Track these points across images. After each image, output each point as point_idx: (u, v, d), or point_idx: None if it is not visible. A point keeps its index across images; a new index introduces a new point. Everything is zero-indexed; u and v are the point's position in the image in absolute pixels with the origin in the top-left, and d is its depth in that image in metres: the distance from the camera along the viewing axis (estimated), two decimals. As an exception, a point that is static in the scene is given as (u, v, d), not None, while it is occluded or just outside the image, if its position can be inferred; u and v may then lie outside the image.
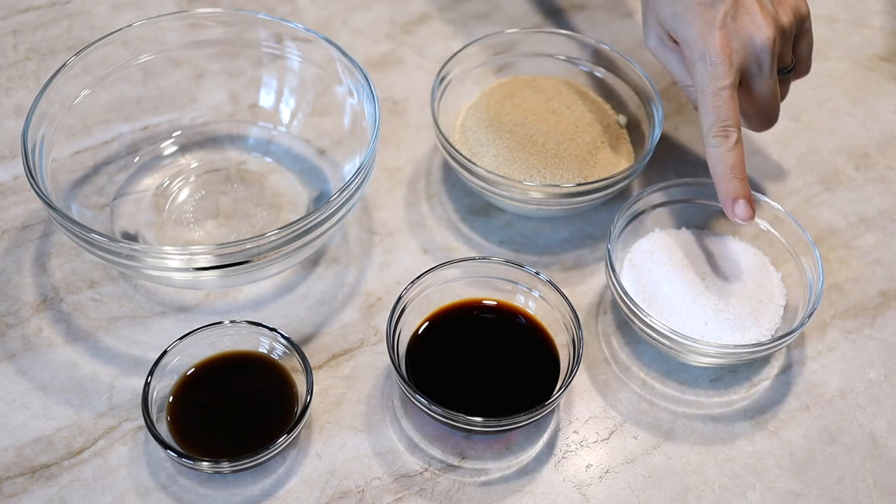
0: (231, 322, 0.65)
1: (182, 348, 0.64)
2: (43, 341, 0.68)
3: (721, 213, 0.73)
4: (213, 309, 0.71)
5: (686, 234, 0.73)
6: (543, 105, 0.78)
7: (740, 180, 0.67)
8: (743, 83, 0.69)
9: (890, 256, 0.76)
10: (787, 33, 0.69)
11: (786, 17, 0.68)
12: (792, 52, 0.72)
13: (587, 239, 0.76)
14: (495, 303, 0.68)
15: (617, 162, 0.76)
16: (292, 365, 0.65)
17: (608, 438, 0.66)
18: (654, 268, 0.70)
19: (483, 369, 0.65)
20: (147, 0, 0.92)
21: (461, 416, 0.60)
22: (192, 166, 0.77)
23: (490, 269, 0.68)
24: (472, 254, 0.75)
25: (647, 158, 0.73)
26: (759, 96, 0.70)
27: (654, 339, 0.66)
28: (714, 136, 0.67)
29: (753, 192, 0.72)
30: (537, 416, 0.61)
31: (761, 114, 0.71)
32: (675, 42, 0.70)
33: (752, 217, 0.67)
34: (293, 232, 0.63)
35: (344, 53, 0.73)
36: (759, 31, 0.67)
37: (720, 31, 0.67)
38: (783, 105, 0.87)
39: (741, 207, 0.67)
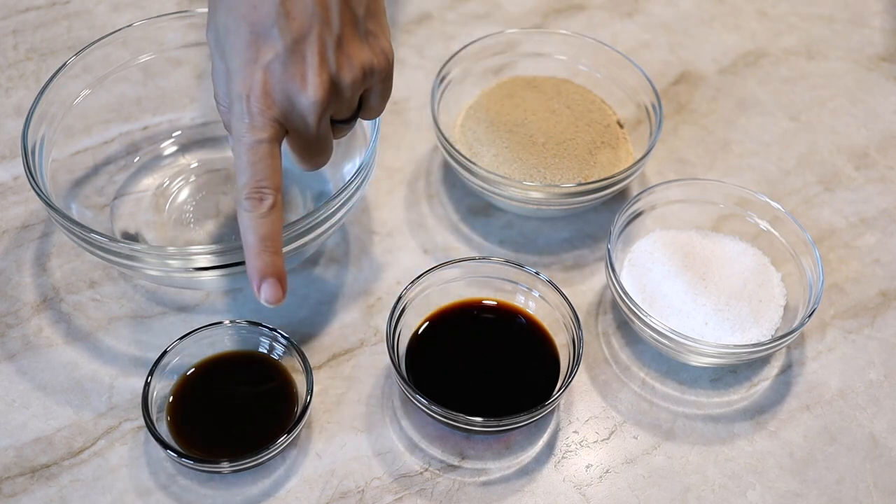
0: (231, 322, 0.65)
1: (182, 348, 0.64)
2: (43, 341, 0.68)
3: (721, 214, 0.74)
4: (213, 309, 0.71)
5: (686, 234, 0.73)
6: (543, 105, 0.78)
7: (272, 254, 0.56)
8: (289, 130, 0.57)
9: (890, 256, 0.76)
10: (346, 93, 0.57)
11: (349, 77, 0.56)
12: (360, 99, 0.60)
13: (587, 239, 0.76)
14: (495, 303, 0.68)
15: (617, 162, 0.76)
16: (292, 365, 0.65)
17: (608, 438, 0.66)
18: (654, 268, 0.70)
19: (483, 369, 0.65)
20: (147, 0, 0.92)
21: (461, 416, 0.60)
22: (192, 166, 0.77)
23: (490, 269, 0.68)
24: (472, 254, 0.75)
25: (647, 158, 0.73)
26: (305, 145, 0.59)
27: (654, 339, 0.66)
28: (246, 197, 0.55)
29: (752, 192, 0.72)
30: (537, 416, 0.61)
31: (305, 159, 0.61)
32: None
33: (281, 300, 0.56)
34: (293, 232, 0.63)
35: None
36: (306, 92, 0.55)
37: (263, 74, 0.55)
38: (783, 105, 0.87)
39: (268, 289, 0.55)
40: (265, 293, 0.55)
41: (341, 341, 0.69)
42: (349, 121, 0.61)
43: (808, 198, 0.80)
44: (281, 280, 0.56)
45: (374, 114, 0.62)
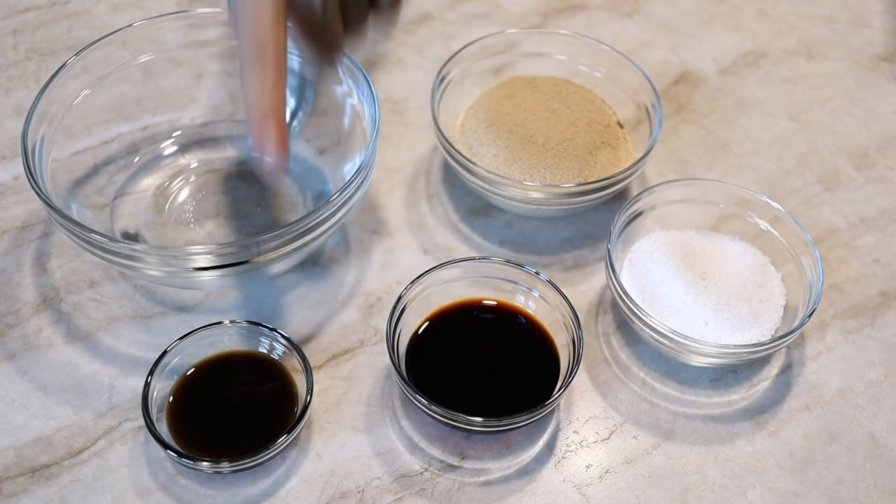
0: (231, 322, 0.65)
1: (182, 348, 0.64)
2: (43, 341, 0.68)
3: (721, 214, 0.74)
4: (213, 309, 0.71)
5: (686, 234, 0.73)
6: (543, 105, 0.78)
7: (275, 101, 0.55)
8: (293, 6, 0.57)
9: (890, 256, 0.76)
10: None
11: None
12: None
13: (587, 239, 0.76)
14: (495, 303, 0.68)
15: (617, 162, 0.76)
16: (292, 365, 0.65)
17: (608, 438, 0.66)
18: (654, 268, 0.70)
19: (483, 369, 0.65)
20: (147, 0, 0.92)
21: (461, 416, 0.60)
22: (192, 166, 0.77)
23: (490, 269, 0.68)
24: (472, 254, 0.75)
25: (647, 158, 0.73)
26: (312, 28, 0.58)
27: (654, 339, 0.66)
28: (248, 57, 0.55)
29: (752, 192, 0.72)
30: (537, 416, 0.61)
31: (313, 47, 0.59)
32: None
33: (283, 149, 0.56)
34: (293, 232, 0.63)
35: (344, 53, 0.73)
36: None
37: None
38: (783, 105, 0.87)
39: (268, 132, 0.55)
40: (266, 138, 0.54)
41: (341, 341, 0.69)
42: (360, 12, 0.58)
43: (808, 198, 0.80)
44: (282, 128, 0.53)
45: (385, 7, 0.59)
